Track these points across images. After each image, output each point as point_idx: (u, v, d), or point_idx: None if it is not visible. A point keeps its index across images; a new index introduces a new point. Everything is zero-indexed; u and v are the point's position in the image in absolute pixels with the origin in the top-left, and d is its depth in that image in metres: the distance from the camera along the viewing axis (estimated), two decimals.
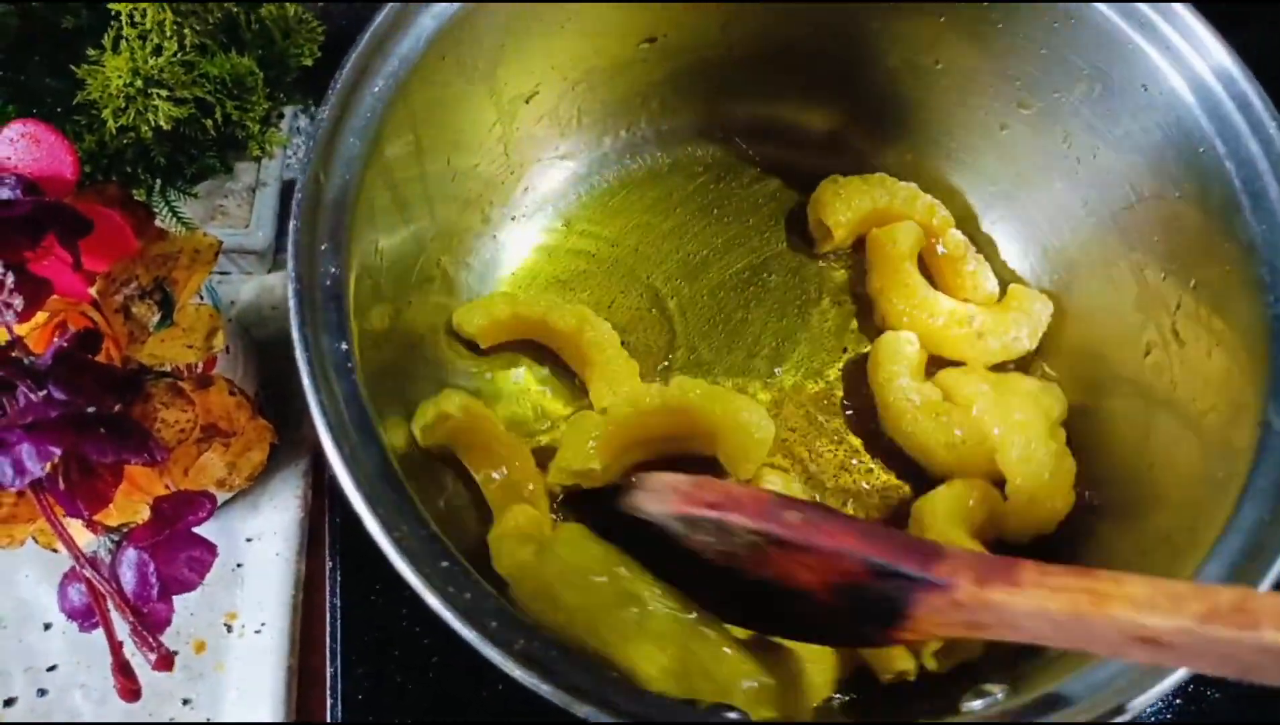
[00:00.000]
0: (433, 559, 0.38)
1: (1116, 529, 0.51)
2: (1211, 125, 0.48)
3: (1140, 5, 0.50)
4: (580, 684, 0.36)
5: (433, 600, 0.36)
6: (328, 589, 0.56)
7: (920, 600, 0.37)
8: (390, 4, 0.47)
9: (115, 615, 0.43)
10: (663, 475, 0.46)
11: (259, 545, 0.60)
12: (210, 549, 0.44)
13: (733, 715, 0.38)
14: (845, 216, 0.62)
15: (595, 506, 0.49)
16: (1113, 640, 0.33)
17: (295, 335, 0.40)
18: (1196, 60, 0.49)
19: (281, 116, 0.65)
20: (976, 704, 0.39)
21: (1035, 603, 0.34)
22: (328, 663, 0.55)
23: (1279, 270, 0.45)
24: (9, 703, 0.56)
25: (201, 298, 0.56)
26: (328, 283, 0.42)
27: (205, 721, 0.56)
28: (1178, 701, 0.56)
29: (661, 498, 0.44)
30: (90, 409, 0.41)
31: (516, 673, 0.35)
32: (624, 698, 0.36)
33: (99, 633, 0.43)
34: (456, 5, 0.49)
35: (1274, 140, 0.47)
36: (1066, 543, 0.53)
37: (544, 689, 0.35)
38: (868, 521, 0.41)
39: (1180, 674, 0.37)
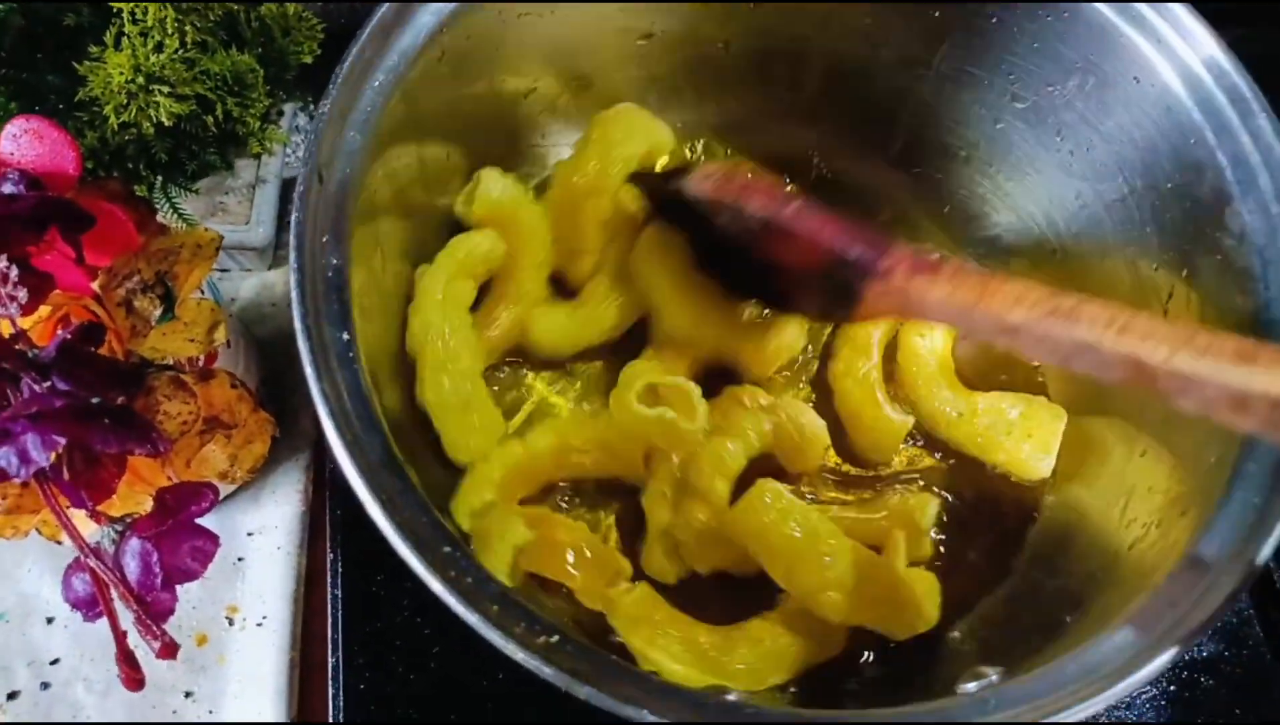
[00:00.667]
0: (435, 544, 0.38)
1: (1107, 514, 0.51)
2: (1203, 117, 0.49)
3: (1131, 1, 0.50)
4: (580, 667, 0.36)
5: (435, 584, 0.37)
6: (329, 580, 0.57)
7: (869, 284, 0.47)
8: (390, 1, 0.48)
9: (119, 605, 0.43)
10: (708, 165, 0.55)
11: (260, 539, 0.60)
12: (212, 539, 0.44)
13: (730, 696, 0.38)
14: None
15: (658, 187, 0.58)
16: (987, 326, 0.42)
17: (298, 325, 0.40)
18: (1187, 52, 0.49)
19: (281, 114, 0.66)
20: (971, 686, 0.39)
21: (943, 294, 0.44)
22: (329, 653, 0.55)
23: (1269, 259, 0.46)
24: (12, 696, 0.56)
25: (203, 293, 0.56)
26: (329, 274, 0.42)
27: (207, 713, 0.56)
28: (1172, 688, 0.56)
29: (703, 181, 0.53)
30: (94, 400, 0.41)
31: (519, 656, 0.36)
32: (623, 681, 0.36)
33: (101, 627, 0.43)
34: (455, 3, 0.49)
35: (1264, 131, 0.47)
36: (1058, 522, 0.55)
37: (546, 672, 0.35)
38: (845, 220, 0.49)
39: (1164, 659, 0.38)
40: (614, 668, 0.37)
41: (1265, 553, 0.40)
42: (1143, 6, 0.50)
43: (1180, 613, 0.39)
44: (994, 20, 0.54)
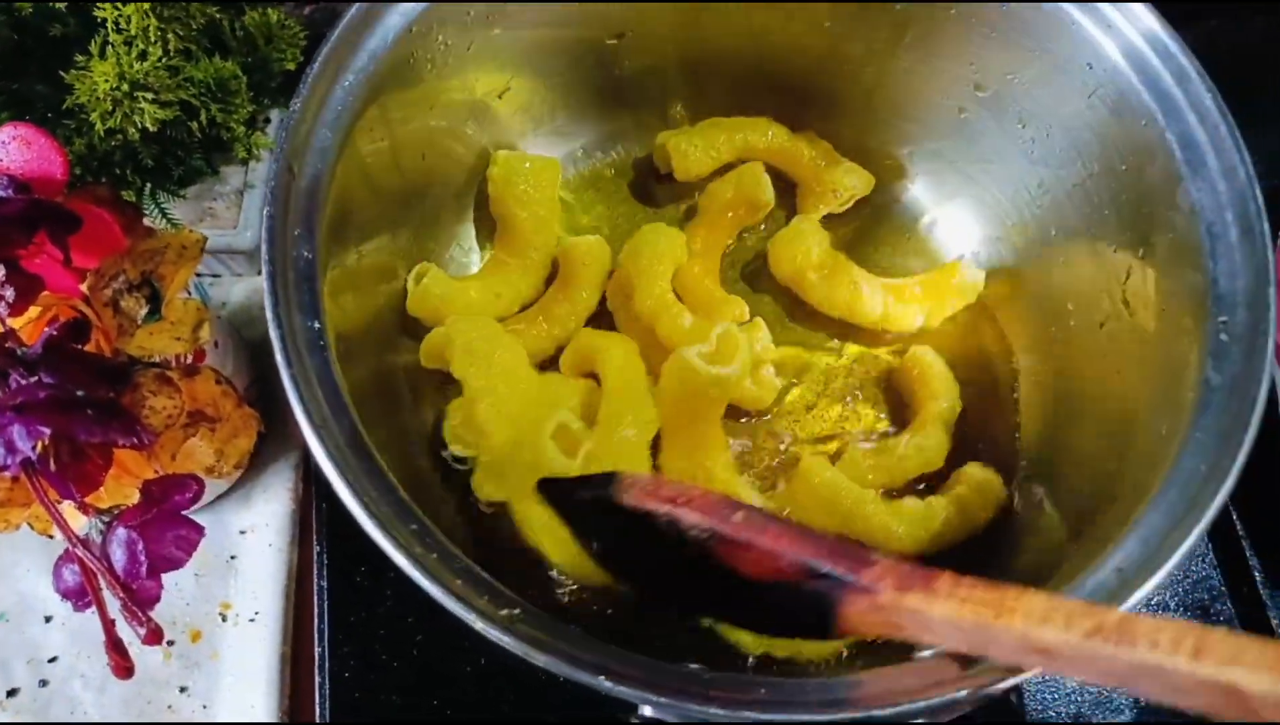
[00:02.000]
0: (402, 522, 0.39)
1: (1069, 491, 0.52)
2: (1152, 99, 0.49)
3: None
4: (539, 637, 0.37)
5: (400, 559, 0.38)
6: (315, 573, 0.58)
7: (848, 600, 0.40)
8: (359, 2, 0.49)
9: (108, 595, 0.44)
10: (629, 473, 0.48)
11: (252, 537, 0.61)
12: (197, 529, 0.45)
13: (693, 665, 0.39)
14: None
15: (562, 492, 0.51)
16: (1011, 648, 0.36)
17: (269, 314, 0.42)
18: (1134, 35, 0.50)
19: (268, 121, 0.67)
20: (927, 653, 0.40)
21: (946, 611, 0.37)
22: (315, 643, 0.56)
23: (1216, 235, 0.47)
24: (12, 693, 0.57)
25: (190, 294, 0.58)
26: (301, 266, 0.44)
27: (202, 708, 0.57)
28: None
29: (626, 493, 0.46)
30: (78, 393, 0.42)
31: (478, 625, 0.37)
32: (580, 648, 0.37)
33: (98, 625, 0.44)
34: (423, 4, 0.51)
35: (1210, 112, 0.48)
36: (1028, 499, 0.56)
37: (505, 641, 0.36)
38: (806, 526, 0.43)
39: None
40: (572, 637, 0.38)
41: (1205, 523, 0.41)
42: None
43: (1126, 577, 0.40)
44: (953, 12, 0.56)
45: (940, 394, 0.59)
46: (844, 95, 0.64)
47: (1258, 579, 0.58)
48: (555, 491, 0.50)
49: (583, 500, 0.48)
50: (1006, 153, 0.59)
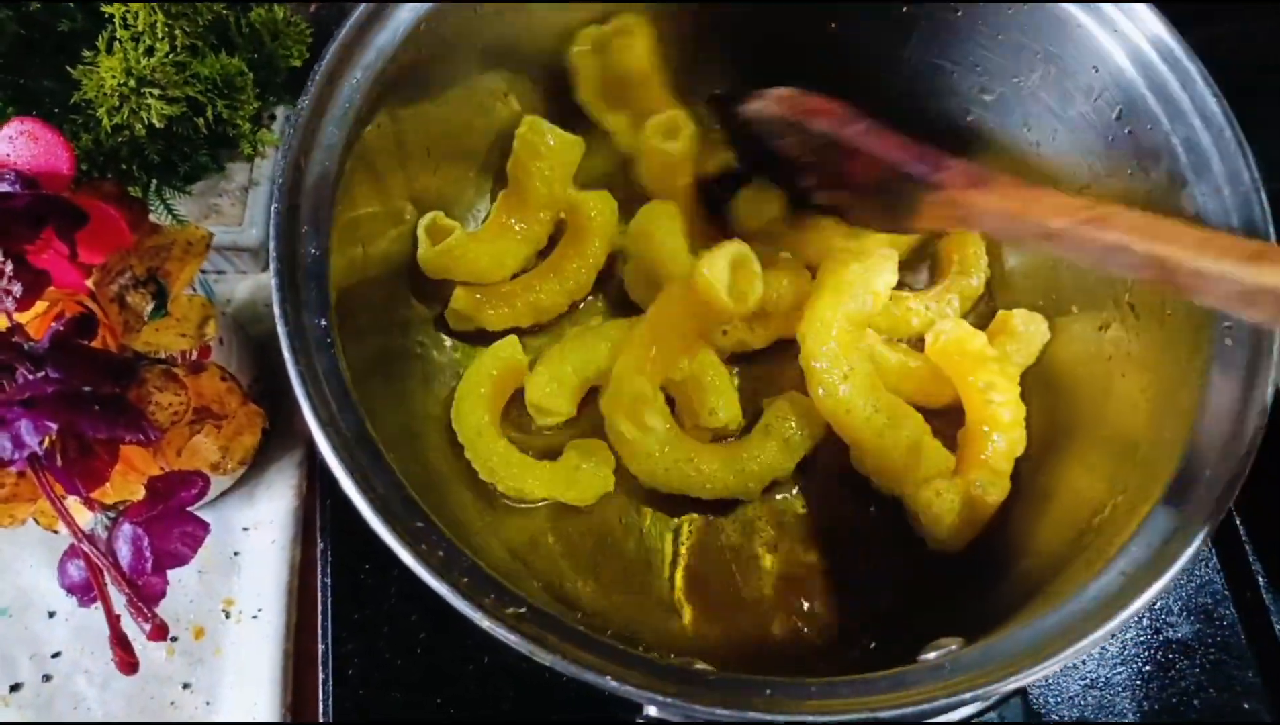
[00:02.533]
0: (408, 519, 0.39)
1: (1071, 493, 0.52)
2: (1157, 103, 0.50)
3: None
4: (545, 636, 0.37)
5: (406, 556, 0.38)
6: (319, 569, 0.58)
7: (926, 196, 0.52)
8: (366, 1, 0.49)
9: (112, 591, 0.44)
10: (778, 89, 0.58)
11: (255, 534, 0.61)
12: (202, 525, 0.45)
13: (699, 665, 0.39)
14: None
15: (725, 108, 0.61)
16: (1030, 233, 0.47)
17: (276, 311, 0.42)
18: (1139, 38, 0.50)
19: (274, 118, 0.67)
20: (932, 655, 0.40)
21: (994, 203, 0.48)
22: (319, 640, 0.56)
23: None
24: (15, 688, 0.57)
25: (195, 290, 0.58)
26: (309, 262, 0.44)
27: (204, 704, 0.57)
28: (1147, 668, 0.57)
29: (774, 103, 0.57)
30: (85, 388, 0.43)
31: (485, 624, 0.37)
32: (587, 649, 0.37)
33: (101, 621, 0.44)
34: (432, 2, 0.51)
35: (1215, 116, 0.48)
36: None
37: (511, 639, 0.37)
38: (900, 136, 0.53)
39: (1113, 625, 0.39)
40: (578, 636, 0.38)
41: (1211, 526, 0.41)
42: None
43: (1131, 579, 0.40)
44: (959, 15, 0.56)
45: None
46: (848, 99, 0.63)
47: (1260, 583, 0.58)
48: (721, 105, 0.61)
49: (742, 112, 0.59)
50: (1013, 155, 0.59)
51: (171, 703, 0.57)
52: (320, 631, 0.56)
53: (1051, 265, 0.61)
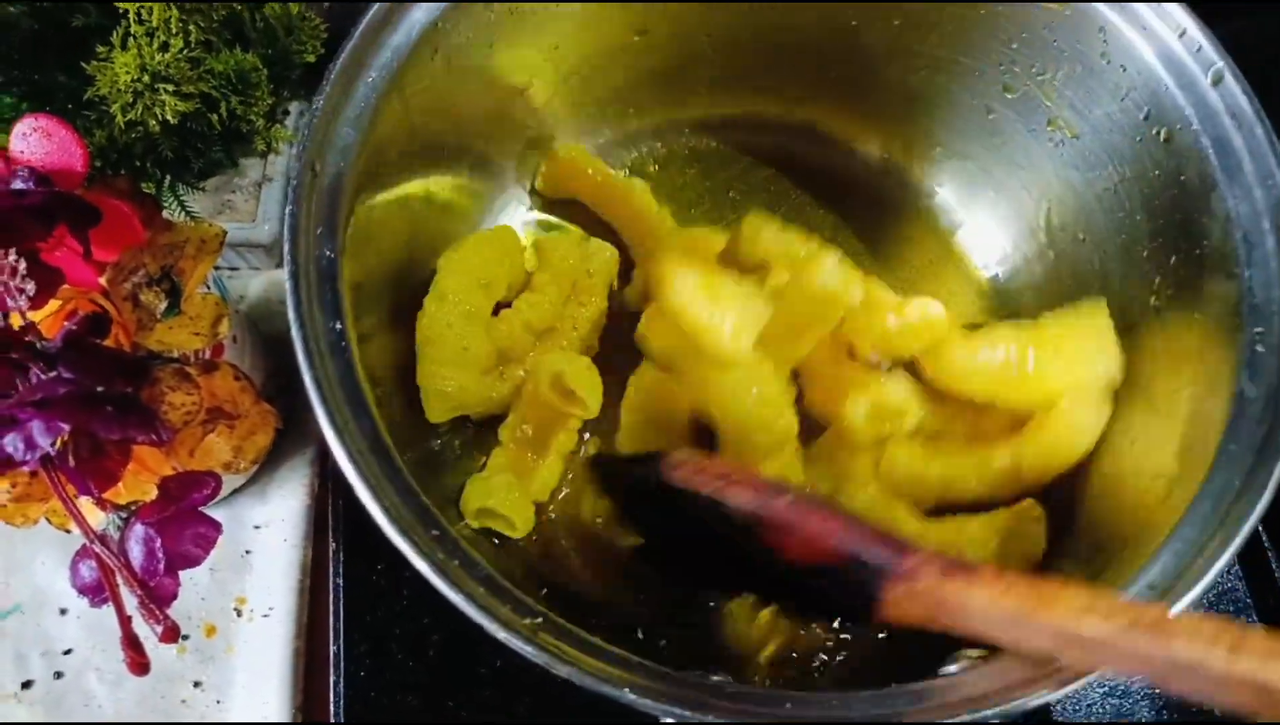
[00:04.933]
0: (423, 527, 0.39)
1: (1097, 500, 0.52)
2: (1187, 103, 0.49)
3: None
4: (561, 647, 0.37)
5: (422, 565, 0.38)
6: (331, 570, 0.58)
7: (889, 587, 0.41)
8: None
9: (124, 591, 0.44)
10: (675, 454, 0.48)
11: (267, 532, 0.61)
12: (215, 526, 0.45)
13: (716, 677, 0.38)
14: None
15: (615, 471, 0.53)
16: (1050, 639, 0.36)
17: (291, 314, 0.41)
18: (1172, 39, 0.49)
19: (288, 114, 0.67)
20: (954, 668, 0.40)
21: (987, 600, 0.38)
22: (331, 641, 0.56)
23: (1253, 243, 0.46)
24: (27, 685, 0.57)
25: (209, 289, 0.57)
26: (323, 265, 0.43)
27: (215, 702, 0.57)
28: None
29: (672, 472, 0.47)
30: (98, 388, 0.42)
31: (501, 635, 0.36)
32: (604, 661, 0.37)
33: (113, 618, 0.44)
34: (448, 1, 0.50)
35: (1247, 116, 0.47)
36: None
37: (528, 651, 0.36)
38: (851, 513, 0.44)
39: None
40: (595, 649, 0.37)
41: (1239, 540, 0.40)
42: None
43: (1160, 592, 0.39)
44: (982, 12, 0.55)
45: None
46: (870, 96, 0.63)
47: None
48: (606, 470, 0.52)
49: (631, 478, 0.50)
50: (1035, 154, 0.59)
51: (182, 701, 0.57)
52: (332, 633, 0.56)
53: (1054, 270, 0.61)
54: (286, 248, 0.42)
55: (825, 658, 0.51)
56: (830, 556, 0.42)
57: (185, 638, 0.59)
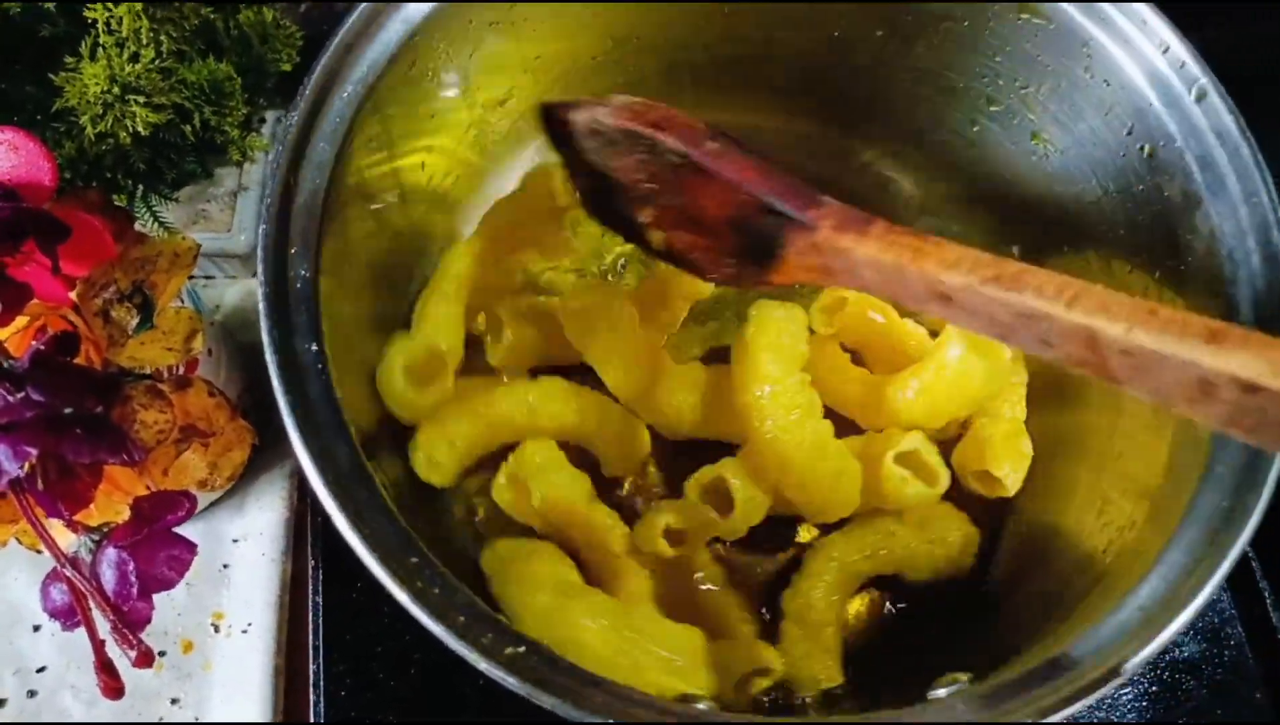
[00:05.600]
0: (403, 555, 0.38)
1: (1081, 522, 0.51)
2: (1171, 119, 0.48)
3: (1099, 3, 0.50)
4: (545, 677, 0.36)
5: (401, 595, 0.37)
6: (310, 588, 0.57)
7: (791, 240, 0.43)
8: (359, 7, 0.48)
9: (97, 614, 0.43)
10: (623, 96, 0.50)
11: (245, 546, 0.60)
12: (190, 548, 0.44)
13: (700, 705, 0.38)
14: None
15: (564, 117, 0.51)
16: (919, 292, 0.38)
17: (265, 337, 0.41)
18: (1154, 53, 0.49)
19: (263, 121, 0.66)
20: (942, 691, 0.39)
21: (872, 252, 0.40)
22: (310, 660, 0.55)
23: (1238, 261, 0.45)
24: (0, 704, 0.56)
25: (183, 301, 0.56)
26: (299, 285, 0.42)
27: (193, 720, 0.56)
28: (1154, 689, 0.56)
29: (618, 111, 0.48)
30: (68, 410, 0.41)
31: (482, 665, 0.36)
32: (588, 689, 0.36)
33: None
34: (426, 7, 0.49)
35: (1230, 132, 0.47)
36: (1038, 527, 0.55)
37: (510, 682, 0.36)
38: (767, 164, 0.45)
39: (1131, 666, 0.38)
40: (580, 677, 0.37)
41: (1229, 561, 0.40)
42: (1108, 7, 0.50)
43: (1150, 615, 0.39)
44: (965, 24, 0.54)
45: None
46: (853, 106, 0.63)
47: (1268, 602, 0.57)
48: (552, 115, 0.51)
49: (576, 123, 0.50)
50: (1018, 168, 0.58)
51: (159, 718, 0.57)
52: (311, 651, 0.56)
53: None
54: (261, 269, 0.41)
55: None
56: (743, 204, 0.44)
57: (162, 654, 0.58)
